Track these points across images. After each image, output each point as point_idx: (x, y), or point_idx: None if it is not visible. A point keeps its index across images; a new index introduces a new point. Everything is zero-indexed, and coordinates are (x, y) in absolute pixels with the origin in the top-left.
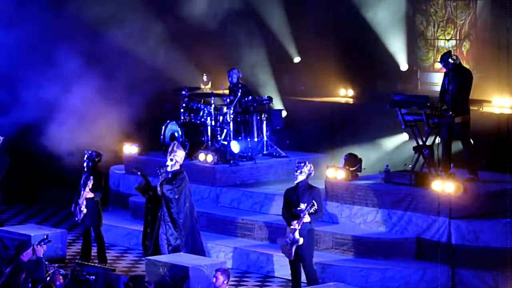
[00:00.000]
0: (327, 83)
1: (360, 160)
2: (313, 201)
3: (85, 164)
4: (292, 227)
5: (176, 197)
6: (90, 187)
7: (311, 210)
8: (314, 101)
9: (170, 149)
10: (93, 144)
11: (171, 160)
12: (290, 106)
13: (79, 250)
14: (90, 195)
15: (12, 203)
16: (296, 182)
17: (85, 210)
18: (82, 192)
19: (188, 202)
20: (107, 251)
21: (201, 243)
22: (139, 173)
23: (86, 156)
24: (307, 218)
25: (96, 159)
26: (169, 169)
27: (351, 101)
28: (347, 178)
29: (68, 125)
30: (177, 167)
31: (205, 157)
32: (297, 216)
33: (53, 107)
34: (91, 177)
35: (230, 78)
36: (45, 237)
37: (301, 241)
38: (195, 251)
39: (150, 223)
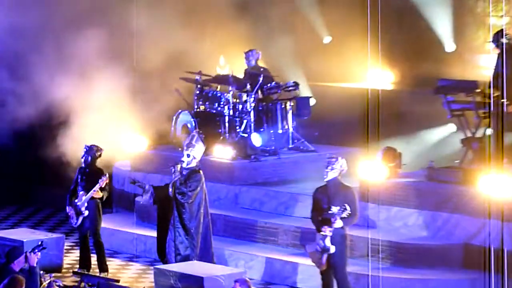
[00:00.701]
0: (362, 67)
1: (400, 154)
2: (345, 205)
3: (83, 159)
4: (322, 233)
5: (190, 201)
6: (103, 185)
7: (344, 215)
8: (347, 87)
9: (187, 142)
10: (93, 137)
11: (188, 156)
12: (319, 93)
13: (78, 258)
14: (99, 194)
15: (2, 204)
16: (326, 180)
17: (86, 213)
18: (81, 192)
19: (203, 207)
20: (110, 259)
21: (212, 255)
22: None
23: (84, 150)
24: (339, 223)
25: (97, 154)
26: (184, 165)
27: (389, 86)
28: (385, 176)
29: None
30: (193, 164)
31: (222, 152)
32: (328, 221)
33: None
34: (104, 177)
35: (247, 61)
36: (39, 243)
37: (332, 249)
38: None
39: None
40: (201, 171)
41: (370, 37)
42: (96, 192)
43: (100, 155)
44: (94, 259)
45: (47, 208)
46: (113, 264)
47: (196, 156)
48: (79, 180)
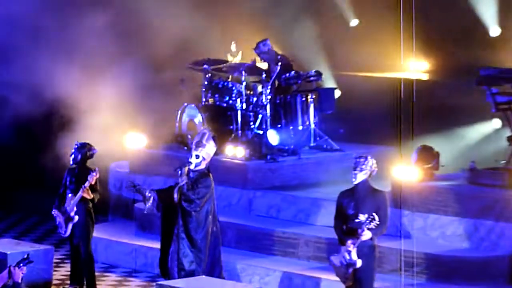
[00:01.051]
0: (393, 54)
1: (437, 154)
2: (374, 214)
3: (71, 158)
4: (347, 247)
5: (198, 209)
6: (93, 182)
7: (371, 225)
8: (377, 77)
9: (196, 141)
10: (87, 135)
11: (197, 156)
12: (345, 84)
13: (69, 273)
14: (89, 195)
15: None
16: (354, 183)
17: (76, 218)
18: (70, 195)
19: (211, 215)
20: (105, 274)
21: (221, 269)
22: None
23: (75, 147)
24: (367, 235)
25: (88, 154)
26: (192, 167)
27: (424, 76)
28: (420, 179)
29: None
30: (202, 166)
31: (234, 151)
32: (354, 232)
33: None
34: (93, 172)
35: (258, 50)
36: (25, 256)
37: (359, 263)
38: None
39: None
40: (210, 175)
41: (403, 20)
42: (85, 192)
43: (92, 156)
44: None
45: (33, 216)
46: (108, 280)
47: (206, 157)
48: (67, 183)
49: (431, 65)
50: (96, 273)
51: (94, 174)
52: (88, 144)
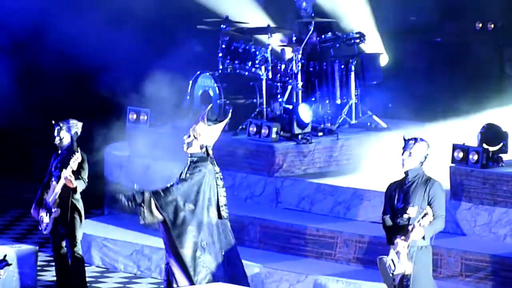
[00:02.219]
0: (453, 9)
1: (506, 134)
2: (424, 208)
3: (58, 140)
4: (396, 247)
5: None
6: (75, 168)
7: (424, 221)
8: (433, 40)
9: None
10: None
11: (188, 136)
12: (393, 48)
13: (55, 278)
14: (71, 184)
15: None
16: (403, 171)
17: (58, 212)
18: (54, 183)
19: (207, 210)
20: (101, 280)
21: (245, 274)
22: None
23: (58, 127)
24: (418, 233)
25: (75, 132)
26: (184, 148)
27: (489, 37)
28: (485, 164)
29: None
30: (196, 148)
31: (258, 130)
32: (403, 229)
33: None
34: (74, 155)
35: (298, 3)
36: (2, 257)
37: (408, 268)
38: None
39: None
40: (207, 161)
41: None
42: (68, 180)
43: (76, 134)
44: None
45: (13, 209)
46: (105, 287)
47: (199, 138)
48: (52, 169)
49: (500, 24)
50: (89, 279)
51: (75, 157)
52: (73, 120)
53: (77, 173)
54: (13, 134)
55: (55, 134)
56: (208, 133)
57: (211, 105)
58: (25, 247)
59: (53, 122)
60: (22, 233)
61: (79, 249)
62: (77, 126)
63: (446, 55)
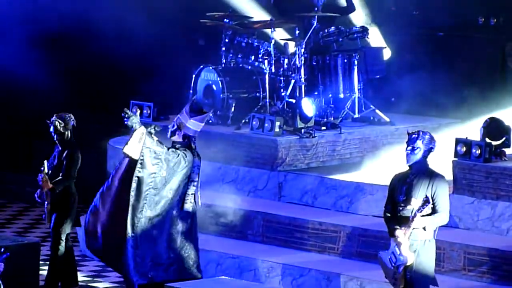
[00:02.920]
0: (455, 4)
1: (509, 129)
2: (426, 195)
3: (54, 137)
4: (397, 238)
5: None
6: (46, 171)
7: (425, 211)
8: (436, 34)
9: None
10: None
11: (173, 125)
12: (397, 41)
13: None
14: (46, 186)
15: None
16: (408, 165)
17: (48, 207)
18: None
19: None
20: (98, 279)
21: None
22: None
23: (51, 125)
24: (419, 222)
25: (60, 127)
26: (168, 136)
27: (492, 31)
28: (488, 158)
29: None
30: (179, 139)
31: (261, 124)
32: (405, 221)
33: None
34: (64, 152)
35: None
36: (2, 250)
37: (410, 259)
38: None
39: None
40: (191, 151)
41: None
42: (44, 181)
43: (66, 126)
44: (82, 273)
45: (15, 202)
46: (101, 286)
47: (181, 126)
48: (54, 162)
49: (503, 19)
50: (83, 280)
51: (46, 162)
52: (62, 115)
53: (65, 169)
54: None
55: (51, 130)
56: (190, 125)
57: (194, 97)
58: (28, 241)
59: (47, 121)
60: (24, 227)
61: (60, 247)
62: (70, 119)
63: (448, 49)
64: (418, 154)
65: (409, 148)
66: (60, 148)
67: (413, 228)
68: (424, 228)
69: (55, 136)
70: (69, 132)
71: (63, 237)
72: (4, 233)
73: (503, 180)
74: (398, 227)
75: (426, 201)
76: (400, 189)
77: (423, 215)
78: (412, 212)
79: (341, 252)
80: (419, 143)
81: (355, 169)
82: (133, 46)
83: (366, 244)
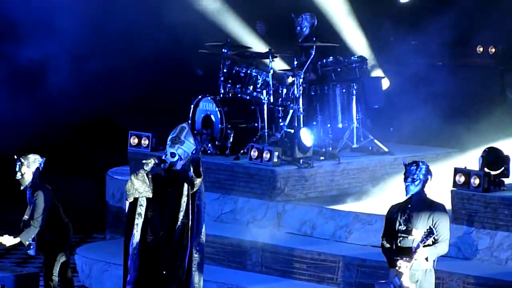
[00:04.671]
0: (457, 33)
1: (508, 158)
2: (430, 227)
3: (17, 176)
4: (398, 268)
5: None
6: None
7: (428, 242)
8: (436, 64)
9: (172, 137)
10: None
11: (173, 155)
12: (395, 72)
13: None
14: (9, 241)
15: None
16: (407, 196)
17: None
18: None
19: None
20: None
21: None
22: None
23: (17, 163)
24: (422, 253)
25: (32, 167)
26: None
27: (492, 62)
28: (487, 188)
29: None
30: (178, 167)
31: (259, 154)
32: (407, 251)
33: None
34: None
35: (298, 28)
36: (0, 286)
37: None
38: None
39: None
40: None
41: None
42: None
43: (35, 168)
44: None
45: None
46: None
47: (183, 156)
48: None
49: (502, 48)
50: None
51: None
52: (35, 155)
53: (34, 215)
54: None
55: (16, 169)
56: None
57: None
58: (26, 272)
59: (15, 156)
60: (23, 258)
61: (52, 278)
62: (38, 161)
63: (446, 79)
64: (417, 186)
65: (409, 179)
66: (30, 190)
67: (415, 259)
68: (426, 259)
69: (21, 176)
70: (36, 173)
71: (55, 270)
72: (2, 264)
73: (502, 210)
74: (399, 258)
75: (430, 232)
76: (399, 219)
77: (425, 245)
78: (413, 242)
79: (340, 282)
80: (418, 174)
81: (354, 199)
82: (132, 76)
83: (365, 274)
